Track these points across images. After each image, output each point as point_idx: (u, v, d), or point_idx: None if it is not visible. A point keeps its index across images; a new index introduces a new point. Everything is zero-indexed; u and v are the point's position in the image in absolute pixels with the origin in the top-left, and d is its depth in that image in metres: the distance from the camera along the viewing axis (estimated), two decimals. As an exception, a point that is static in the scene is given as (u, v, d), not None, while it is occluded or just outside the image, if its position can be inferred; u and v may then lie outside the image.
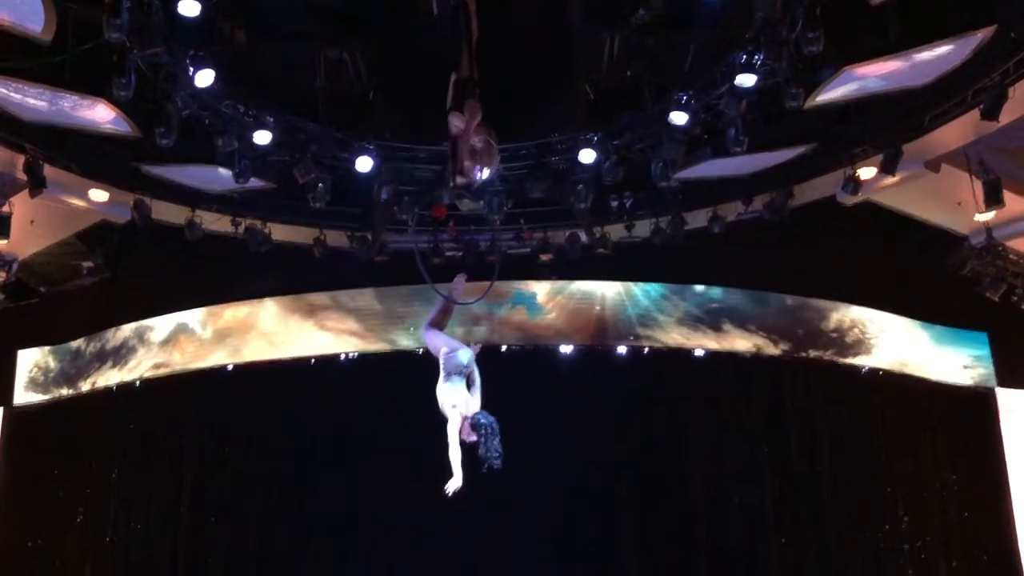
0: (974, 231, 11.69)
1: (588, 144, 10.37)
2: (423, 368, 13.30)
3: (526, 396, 12.91)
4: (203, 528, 13.34)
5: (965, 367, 13.68)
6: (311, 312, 13.75)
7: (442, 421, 7.35)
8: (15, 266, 11.84)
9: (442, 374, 7.31)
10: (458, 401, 7.19)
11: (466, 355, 7.34)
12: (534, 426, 12.90)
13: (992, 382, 13.60)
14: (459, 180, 8.67)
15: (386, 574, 13.00)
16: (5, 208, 10.54)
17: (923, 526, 13.16)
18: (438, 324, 7.64)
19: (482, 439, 7.04)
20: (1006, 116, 9.12)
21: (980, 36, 8.53)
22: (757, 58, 8.60)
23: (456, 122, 7.26)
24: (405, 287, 13.46)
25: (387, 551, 13.03)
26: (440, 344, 7.47)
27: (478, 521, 12.66)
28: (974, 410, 13.62)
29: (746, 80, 8.81)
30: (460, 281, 7.78)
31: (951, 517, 13.23)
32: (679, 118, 9.55)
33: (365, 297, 13.72)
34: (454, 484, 7.03)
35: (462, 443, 7.17)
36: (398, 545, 13.03)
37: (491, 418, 7.18)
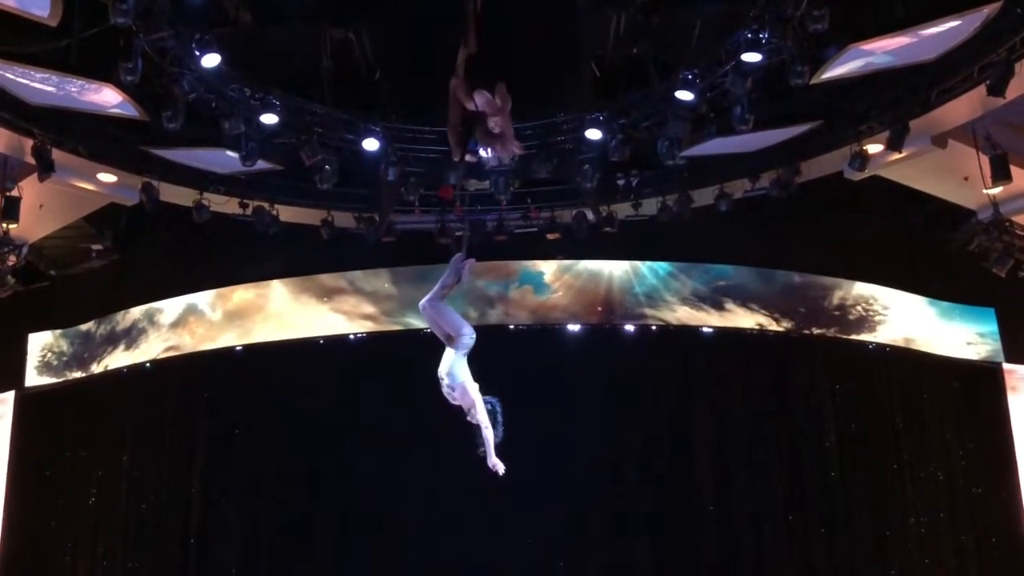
0: (982, 206, 11.67)
1: (594, 123, 10.36)
2: (432, 347, 13.40)
3: (534, 375, 12.98)
4: (214, 509, 13.45)
5: (972, 343, 13.72)
6: (319, 292, 13.80)
7: (446, 399, 7.42)
8: (25, 250, 11.90)
9: (459, 352, 7.36)
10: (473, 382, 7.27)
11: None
12: (541, 404, 12.97)
13: (1000, 357, 13.63)
14: (467, 157, 8.80)
15: (398, 553, 13.07)
16: (14, 192, 10.61)
17: (931, 501, 13.19)
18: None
19: (497, 424, 7.14)
20: (1013, 91, 9.07)
21: (986, 11, 8.48)
22: (762, 36, 8.57)
23: (480, 100, 7.39)
24: (414, 267, 13.53)
25: (398, 530, 13.09)
26: (457, 322, 7.55)
27: (487, 500, 12.73)
28: (981, 386, 13.67)
29: (751, 58, 8.78)
30: (471, 262, 7.80)
31: (958, 492, 13.27)
32: (685, 96, 9.53)
33: (374, 277, 13.76)
34: (501, 466, 7.19)
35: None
36: (410, 523, 13.10)
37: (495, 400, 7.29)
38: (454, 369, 7.34)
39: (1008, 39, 8.70)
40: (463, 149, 8.35)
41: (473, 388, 7.35)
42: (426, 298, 7.58)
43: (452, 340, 7.45)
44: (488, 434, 7.28)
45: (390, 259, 13.41)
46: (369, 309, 13.71)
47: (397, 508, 13.15)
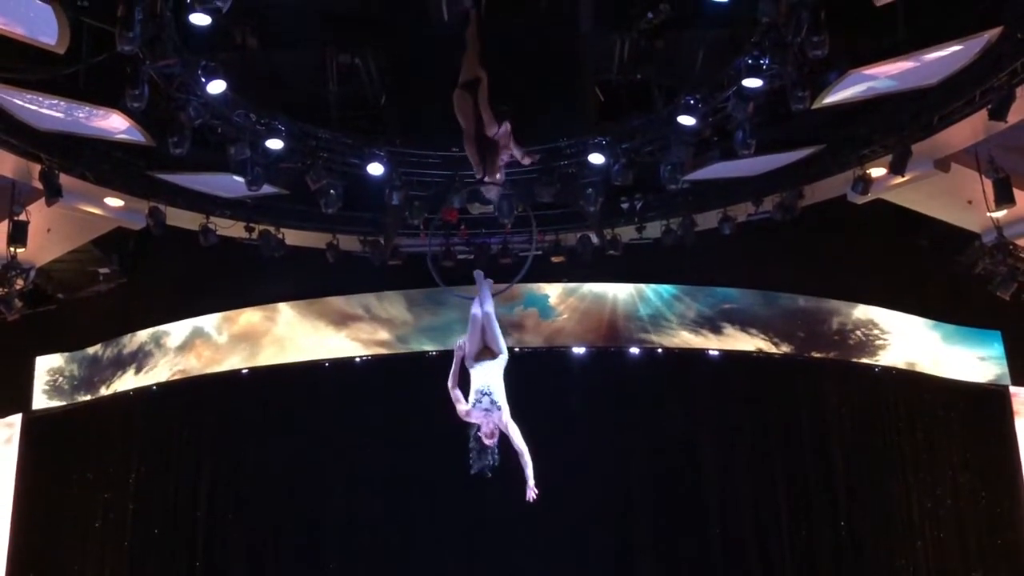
0: (986, 229, 11.68)
1: (597, 148, 10.41)
2: (436, 370, 13.42)
3: (539, 398, 12.95)
4: (220, 532, 13.48)
5: (978, 366, 13.68)
6: (325, 316, 13.86)
7: (461, 418, 7.44)
8: (33, 273, 11.95)
9: (500, 369, 7.40)
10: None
11: None
12: (547, 428, 12.94)
13: (1006, 380, 13.59)
14: (489, 179, 8.90)
15: (403, 573, 13.07)
16: (22, 216, 10.65)
17: (938, 523, 13.16)
18: None
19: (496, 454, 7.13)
20: (1015, 115, 9.10)
21: (987, 36, 8.52)
22: (763, 62, 8.62)
23: (502, 131, 7.82)
24: (421, 290, 13.59)
25: (404, 551, 13.13)
26: (501, 335, 7.64)
27: (491, 522, 12.76)
28: (988, 408, 13.62)
29: (752, 83, 8.82)
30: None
31: (966, 515, 13.22)
32: (687, 121, 9.58)
33: (380, 300, 13.83)
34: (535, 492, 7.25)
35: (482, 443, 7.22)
36: (415, 544, 13.14)
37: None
38: (496, 386, 7.27)
39: (1008, 64, 8.73)
40: (484, 165, 8.44)
41: (507, 411, 7.28)
42: (486, 304, 7.59)
43: (492, 354, 7.47)
44: (527, 459, 7.25)
45: (396, 282, 13.47)
46: (375, 332, 13.76)
47: (403, 529, 13.19)
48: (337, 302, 13.87)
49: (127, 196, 11.07)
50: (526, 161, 8.56)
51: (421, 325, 13.65)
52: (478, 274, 8.21)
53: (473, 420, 7.35)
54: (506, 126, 7.98)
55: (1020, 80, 8.82)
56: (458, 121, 8.32)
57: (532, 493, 7.17)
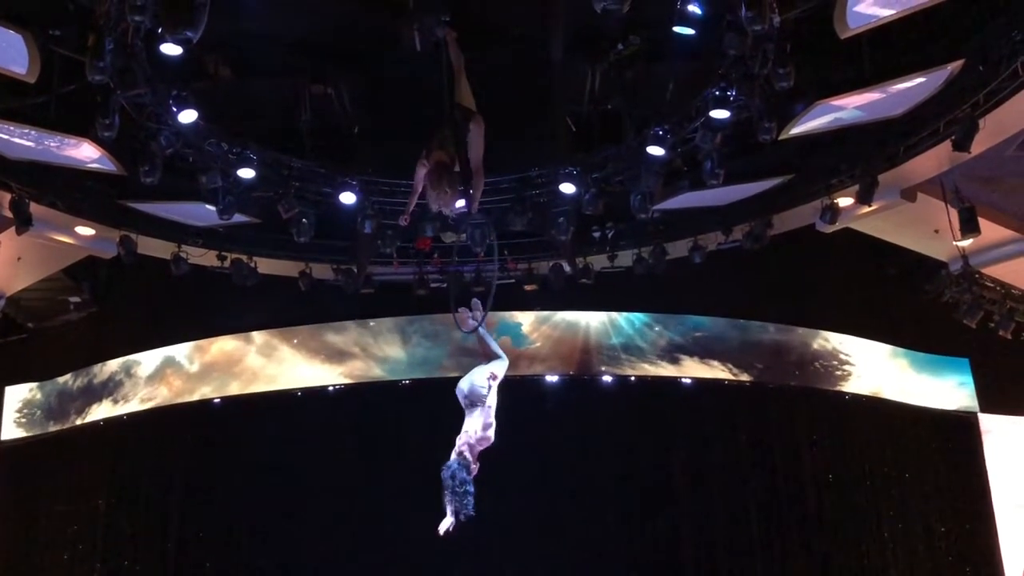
0: (952, 258, 11.83)
1: (568, 177, 10.48)
2: (409, 399, 13.43)
3: (512, 425, 12.88)
4: (191, 562, 13.34)
5: (948, 393, 13.82)
6: (297, 344, 13.83)
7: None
8: (2, 302, 11.91)
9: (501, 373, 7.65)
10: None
11: None
12: (520, 456, 12.93)
13: (975, 407, 13.73)
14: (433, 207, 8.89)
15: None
16: (-8, 245, 10.64)
17: (909, 548, 13.24)
18: None
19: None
20: (979, 146, 9.23)
21: (950, 69, 8.67)
22: (730, 93, 8.72)
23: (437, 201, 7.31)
24: (393, 319, 13.61)
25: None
26: (497, 346, 7.92)
27: (466, 551, 12.66)
28: (958, 435, 13.78)
29: (720, 115, 8.93)
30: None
31: (936, 539, 13.33)
32: (656, 151, 9.67)
33: (350, 329, 13.81)
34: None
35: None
36: (390, 574, 13.03)
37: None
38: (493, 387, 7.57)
39: (971, 96, 8.88)
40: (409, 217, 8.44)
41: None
42: (479, 324, 7.71)
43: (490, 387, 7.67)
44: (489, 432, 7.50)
45: (368, 311, 13.47)
46: (348, 361, 13.73)
47: (377, 561, 13.05)
48: (309, 331, 13.84)
49: (98, 225, 11.04)
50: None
51: (394, 354, 13.65)
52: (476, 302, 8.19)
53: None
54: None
55: (983, 111, 8.96)
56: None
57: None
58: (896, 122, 9.63)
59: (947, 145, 9.52)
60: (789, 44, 8.15)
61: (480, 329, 7.79)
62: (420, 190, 7.27)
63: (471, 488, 7.21)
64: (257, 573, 13.23)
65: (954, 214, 10.50)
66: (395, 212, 10.96)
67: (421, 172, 7.18)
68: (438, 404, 12.95)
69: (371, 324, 13.74)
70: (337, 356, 13.75)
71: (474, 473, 7.33)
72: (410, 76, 9.90)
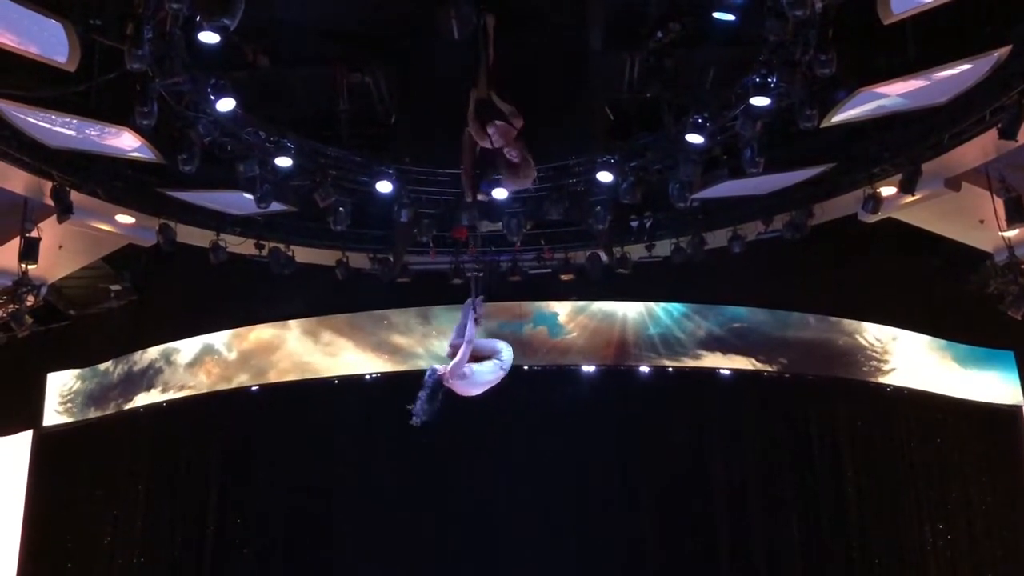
0: (998, 249, 11.60)
1: (605, 166, 10.39)
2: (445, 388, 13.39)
3: (549, 416, 12.97)
4: (229, 548, 13.49)
5: (992, 386, 13.58)
6: (335, 332, 13.87)
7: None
8: (44, 290, 12.01)
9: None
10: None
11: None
12: (557, 446, 12.97)
13: (1020, 400, 13.48)
14: (479, 197, 9.14)
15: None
16: (34, 233, 10.72)
17: (950, 545, 13.06)
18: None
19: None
20: (1025, 135, 9.08)
21: (996, 55, 8.49)
22: (771, 80, 8.60)
23: (494, 133, 8.01)
24: (429, 308, 13.61)
25: (413, 567, 13.08)
26: (489, 346, 8.66)
27: (500, 541, 12.73)
28: (1001, 429, 13.53)
29: (760, 102, 8.80)
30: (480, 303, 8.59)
31: (977, 535, 13.12)
32: (695, 139, 9.55)
33: (389, 318, 13.82)
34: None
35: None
36: (424, 561, 13.11)
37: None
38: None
39: (1018, 83, 8.68)
40: (475, 190, 9.22)
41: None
42: (454, 364, 8.29)
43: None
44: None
45: (405, 300, 13.48)
46: (385, 349, 13.76)
47: (414, 546, 13.15)
48: (347, 319, 13.88)
49: (138, 213, 11.11)
50: (530, 177, 8.77)
51: (431, 342, 13.64)
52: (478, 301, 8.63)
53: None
54: (495, 127, 8.17)
55: (1031, 98, 8.78)
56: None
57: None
58: (941, 110, 9.45)
59: (993, 133, 9.34)
60: (831, 30, 8.00)
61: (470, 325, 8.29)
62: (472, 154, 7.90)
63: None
64: (295, 558, 13.30)
65: (1000, 203, 10.30)
66: (431, 201, 10.98)
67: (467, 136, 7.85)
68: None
69: (408, 313, 13.72)
70: (374, 344, 13.77)
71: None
72: (448, 64, 9.85)
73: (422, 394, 8.10)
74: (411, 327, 13.75)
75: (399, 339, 13.78)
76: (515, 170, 8.47)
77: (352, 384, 13.76)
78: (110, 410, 14.31)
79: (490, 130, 8.09)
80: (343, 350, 13.82)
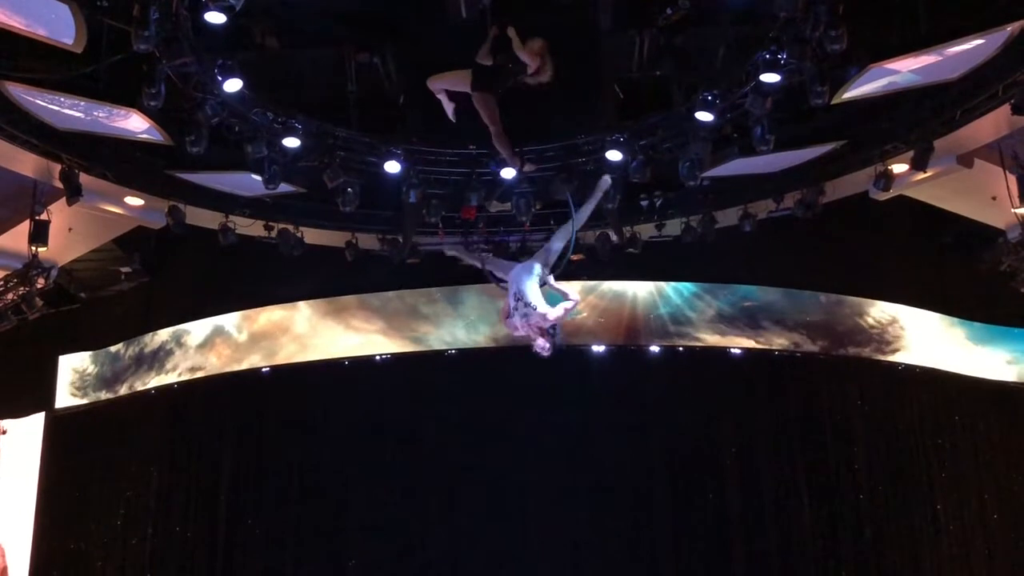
0: (1010, 225, 11.56)
1: (615, 144, 10.33)
2: (456, 367, 13.51)
3: (559, 396, 12.96)
4: (240, 529, 13.54)
5: (1005, 364, 13.55)
6: (345, 314, 13.87)
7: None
8: (55, 272, 12.05)
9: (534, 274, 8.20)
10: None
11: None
12: (566, 426, 12.97)
13: (1032, 378, 13.45)
14: (527, 168, 9.95)
15: (425, 571, 13.08)
16: (43, 216, 10.75)
17: (962, 523, 13.04)
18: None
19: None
20: (1039, 109, 9.00)
21: (1010, 30, 8.41)
22: (781, 57, 8.52)
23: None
24: (440, 288, 13.60)
25: (426, 548, 13.15)
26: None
27: (512, 520, 12.77)
28: (1013, 407, 13.48)
29: (770, 79, 8.72)
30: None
31: (990, 513, 13.09)
32: (704, 117, 9.49)
33: (400, 299, 13.82)
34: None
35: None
36: (437, 542, 13.15)
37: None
38: (526, 288, 8.12)
39: (1032, 58, 8.61)
40: (520, 157, 9.58)
41: (544, 304, 8.10)
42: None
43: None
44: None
45: (415, 281, 13.46)
46: (395, 330, 13.75)
47: (423, 529, 13.19)
48: (356, 300, 13.88)
49: (147, 195, 11.11)
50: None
51: (441, 323, 13.64)
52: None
53: (521, 332, 8.09)
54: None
55: (1044, 74, 8.70)
56: (482, 120, 8.71)
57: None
58: (953, 86, 9.36)
59: (1006, 109, 9.27)
60: (842, 5, 7.92)
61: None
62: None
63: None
64: (307, 539, 13.36)
65: (1012, 180, 10.27)
66: (440, 181, 10.94)
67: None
68: (485, 373, 13.15)
69: (417, 294, 13.71)
70: (384, 326, 13.77)
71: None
72: (456, 45, 9.78)
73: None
74: (421, 308, 13.73)
75: (409, 320, 13.77)
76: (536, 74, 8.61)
77: (362, 365, 13.76)
78: (122, 392, 14.39)
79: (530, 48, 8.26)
80: (353, 331, 13.82)
